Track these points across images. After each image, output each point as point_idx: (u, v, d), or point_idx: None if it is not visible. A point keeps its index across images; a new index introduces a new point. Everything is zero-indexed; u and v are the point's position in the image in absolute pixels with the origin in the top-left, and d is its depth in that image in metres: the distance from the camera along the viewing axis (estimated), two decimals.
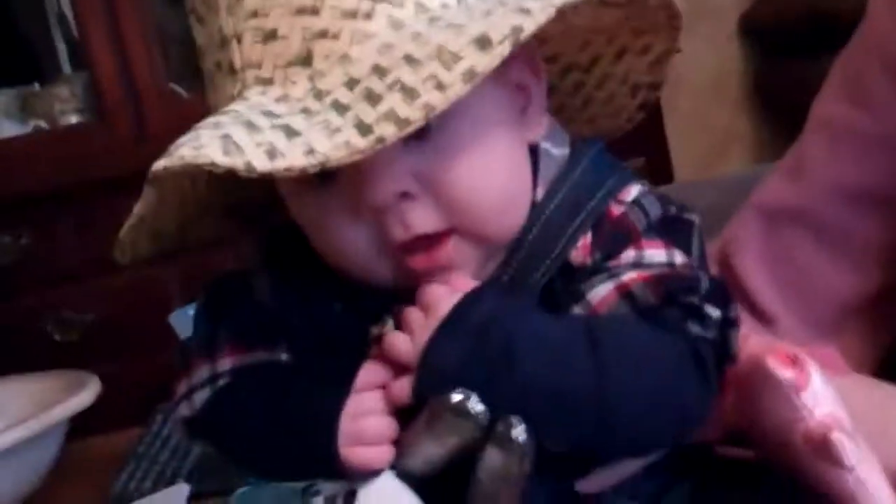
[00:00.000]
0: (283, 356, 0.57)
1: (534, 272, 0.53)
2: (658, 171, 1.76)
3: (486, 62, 0.47)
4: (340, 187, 0.52)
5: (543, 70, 0.57)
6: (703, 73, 2.25)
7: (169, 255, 1.93)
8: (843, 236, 0.72)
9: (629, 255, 0.54)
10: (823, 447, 0.50)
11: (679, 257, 0.54)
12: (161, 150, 1.82)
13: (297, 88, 0.49)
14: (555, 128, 0.58)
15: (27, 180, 1.70)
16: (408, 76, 0.47)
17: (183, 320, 0.96)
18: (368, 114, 0.47)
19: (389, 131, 0.46)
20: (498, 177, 0.53)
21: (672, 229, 0.55)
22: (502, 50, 0.47)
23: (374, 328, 0.53)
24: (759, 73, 2.30)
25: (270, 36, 0.50)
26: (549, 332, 0.50)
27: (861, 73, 0.73)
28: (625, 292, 0.52)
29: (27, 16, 2.06)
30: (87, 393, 1.14)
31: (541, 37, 0.56)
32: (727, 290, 0.54)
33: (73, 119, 1.79)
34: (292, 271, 0.57)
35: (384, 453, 0.51)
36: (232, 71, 0.52)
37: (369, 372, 0.52)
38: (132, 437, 1.22)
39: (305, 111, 0.48)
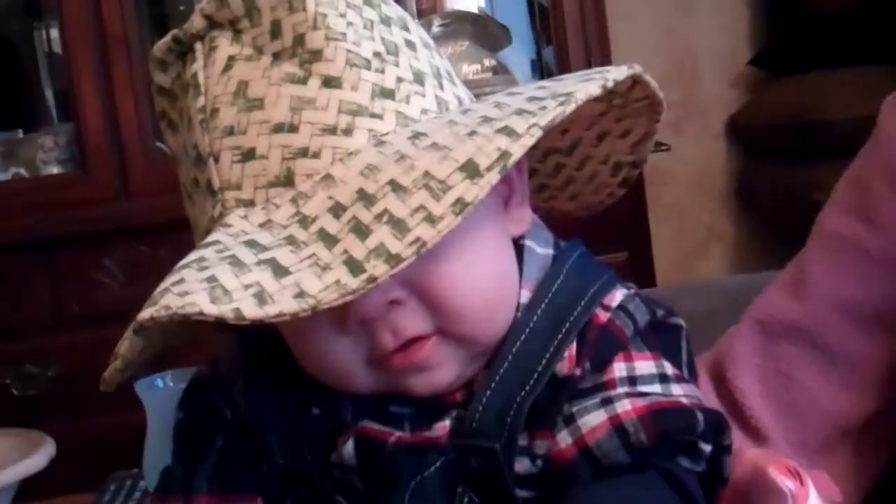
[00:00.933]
0: None
1: (519, 388, 0.52)
2: (640, 265, 1.75)
3: (475, 192, 0.45)
4: (339, 311, 0.50)
5: (525, 161, 0.56)
6: (689, 169, 2.27)
7: (128, 317, 1.88)
8: (843, 356, 0.71)
9: (620, 368, 0.53)
10: None
11: (669, 369, 0.53)
12: (141, 207, 1.82)
13: (281, 213, 0.48)
14: (538, 224, 0.57)
15: (2, 227, 1.67)
16: (396, 207, 0.45)
17: (148, 389, 0.93)
18: (358, 249, 0.45)
19: (380, 270, 0.44)
20: (487, 279, 0.52)
21: (660, 336, 0.55)
22: (490, 177, 0.45)
23: (333, 454, 0.52)
24: (744, 174, 2.32)
25: (249, 155, 0.49)
26: None
27: (870, 190, 0.72)
28: (617, 425, 0.51)
29: (16, 62, 2.05)
30: (40, 456, 1.10)
31: None
32: (722, 422, 0.53)
33: (55, 169, 1.77)
34: (268, 372, 0.55)
35: None
36: (211, 191, 0.50)
37: None
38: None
39: (292, 241, 0.46)
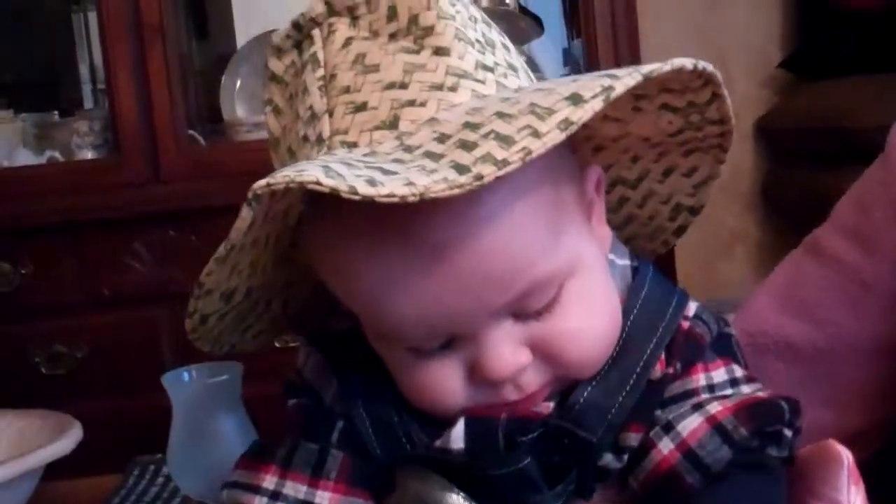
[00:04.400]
0: None
1: (619, 389, 0.55)
2: (662, 265, 1.76)
3: (580, 114, 0.47)
4: (456, 355, 0.54)
5: (603, 179, 0.59)
6: None
7: (163, 299, 1.92)
8: (827, 376, 0.73)
9: (699, 379, 0.57)
10: None
11: (738, 371, 0.58)
12: (172, 192, 1.86)
13: (385, 146, 0.50)
14: (613, 238, 0.60)
15: (35, 211, 1.70)
16: (502, 127, 0.47)
17: (175, 382, 0.96)
18: (465, 158, 0.47)
19: (488, 170, 0.46)
20: (603, 326, 0.55)
21: (725, 345, 0.59)
22: (594, 104, 0.47)
23: (437, 441, 0.55)
24: (770, 176, 2.32)
25: (361, 108, 0.52)
26: None
27: (873, 217, 0.73)
28: (715, 424, 0.55)
29: (55, 46, 2.09)
30: (67, 440, 1.12)
31: (600, 144, 0.60)
32: (798, 406, 0.58)
33: (89, 154, 1.80)
34: (359, 379, 0.58)
35: None
36: (319, 140, 0.53)
37: None
38: (107, 486, 1.21)
39: (397, 161, 0.48)
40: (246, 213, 0.49)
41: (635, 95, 0.55)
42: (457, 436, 0.54)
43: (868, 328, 0.73)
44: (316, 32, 0.55)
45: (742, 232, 2.33)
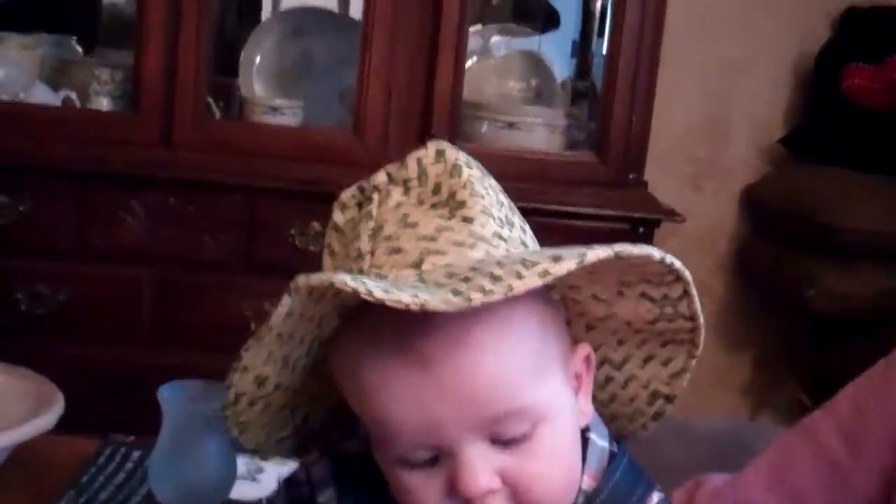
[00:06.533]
0: None
1: None
2: None
3: (556, 268, 0.58)
4: (438, 472, 0.62)
5: (594, 358, 0.68)
6: (697, 224, 2.31)
7: (150, 261, 1.96)
8: None
9: None
10: None
11: None
12: (180, 159, 1.93)
13: (406, 278, 0.62)
14: (597, 418, 0.68)
15: (43, 152, 1.73)
16: (496, 271, 0.59)
17: (169, 394, 1.01)
18: (462, 287, 0.58)
19: (476, 296, 0.57)
20: (566, 474, 0.64)
21: None
22: (569, 265, 0.59)
23: None
24: (747, 242, 2.39)
25: (396, 251, 0.64)
26: None
27: (870, 428, 0.83)
28: None
29: None
30: (50, 415, 1.16)
31: (590, 323, 0.69)
32: None
33: (105, 102, 1.83)
34: (357, 497, 0.67)
35: None
36: (360, 272, 0.65)
37: None
38: (80, 449, 1.23)
39: (412, 287, 0.59)
40: (286, 301, 0.59)
41: (620, 281, 0.65)
42: None
43: None
44: (375, 196, 0.67)
45: (710, 287, 2.40)
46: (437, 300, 0.57)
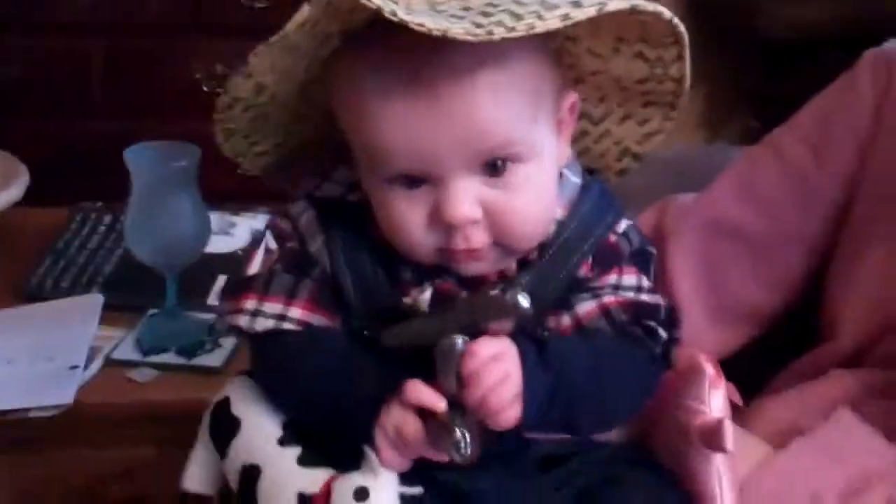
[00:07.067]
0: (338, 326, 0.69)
1: (548, 284, 0.68)
2: None
3: (577, 13, 0.60)
4: (425, 197, 0.64)
5: (579, 105, 0.70)
6: None
7: (96, 30, 1.94)
8: (767, 260, 0.88)
9: (611, 277, 0.70)
10: (714, 432, 0.65)
11: (645, 282, 0.71)
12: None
13: (417, 6, 0.62)
14: (572, 158, 0.71)
15: None
16: (516, 9, 0.60)
17: (136, 155, 1.02)
18: (481, 20, 0.59)
19: (499, 30, 0.59)
20: (544, 208, 0.67)
21: (642, 259, 0.72)
22: (589, 11, 0.60)
23: (405, 298, 0.66)
24: None
25: None
26: (580, 362, 0.66)
27: (831, 134, 0.86)
28: (605, 311, 0.69)
29: None
30: (16, 189, 1.18)
31: (579, 76, 0.71)
32: (677, 316, 0.71)
33: None
34: (343, 239, 0.69)
35: (405, 464, 0.64)
36: None
37: (418, 390, 0.63)
38: (49, 221, 1.26)
39: (428, 14, 0.60)
40: (305, 9, 0.60)
41: (618, 38, 0.67)
42: (424, 299, 0.66)
43: (805, 228, 0.87)
44: None
45: None
46: (458, 28, 0.58)
